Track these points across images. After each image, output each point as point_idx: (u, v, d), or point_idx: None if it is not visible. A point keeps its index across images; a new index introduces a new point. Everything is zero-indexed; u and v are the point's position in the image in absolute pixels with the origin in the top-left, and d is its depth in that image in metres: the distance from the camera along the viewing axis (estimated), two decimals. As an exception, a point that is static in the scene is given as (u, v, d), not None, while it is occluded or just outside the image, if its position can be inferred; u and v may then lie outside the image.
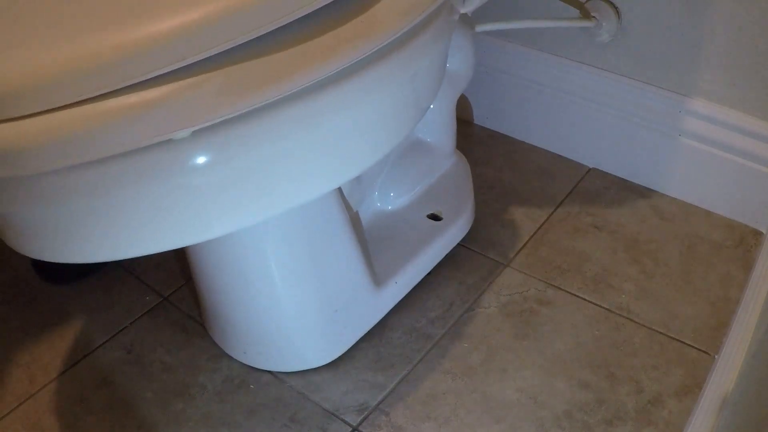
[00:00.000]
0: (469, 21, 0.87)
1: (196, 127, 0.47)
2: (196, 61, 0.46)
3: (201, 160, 0.49)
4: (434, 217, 0.88)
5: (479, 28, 0.94)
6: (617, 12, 0.92)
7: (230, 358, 0.80)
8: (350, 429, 0.74)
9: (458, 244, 0.92)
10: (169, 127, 0.46)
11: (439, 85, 0.67)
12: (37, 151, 0.44)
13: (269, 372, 0.79)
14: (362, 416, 0.75)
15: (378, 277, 0.80)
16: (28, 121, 0.44)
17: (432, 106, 0.88)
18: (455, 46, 0.85)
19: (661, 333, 0.81)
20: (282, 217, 0.66)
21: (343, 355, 0.80)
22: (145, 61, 0.44)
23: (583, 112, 1.01)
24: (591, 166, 1.04)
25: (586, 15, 0.94)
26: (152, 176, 0.49)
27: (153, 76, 0.45)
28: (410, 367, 0.79)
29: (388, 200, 0.88)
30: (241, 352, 0.79)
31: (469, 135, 1.12)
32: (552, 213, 0.97)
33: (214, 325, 0.80)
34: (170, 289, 0.89)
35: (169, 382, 0.79)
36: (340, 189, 0.73)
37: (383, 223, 0.87)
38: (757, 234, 0.93)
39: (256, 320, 0.75)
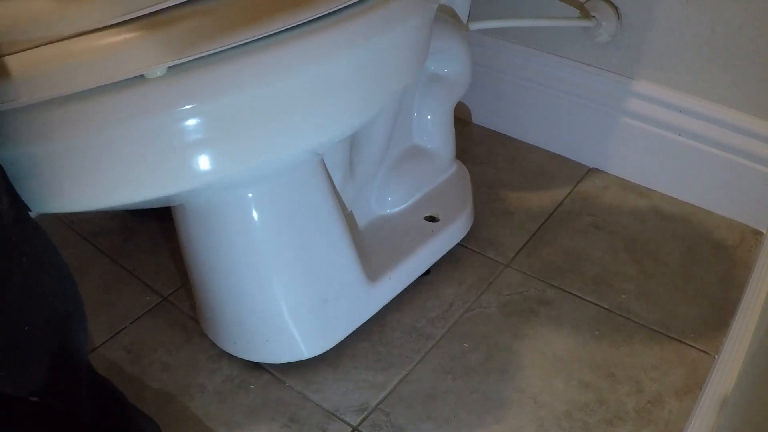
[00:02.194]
0: (463, 26, 0.87)
1: (169, 64, 0.50)
2: (172, 5, 0.49)
3: (176, 100, 0.52)
4: (431, 219, 0.88)
5: (478, 26, 0.94)
6: (617, 12, 0.92)
7: (230, 357, 0.80)
8: (350, 429, 0.74)
9: (458, 244, 0.92)
10: (143, 62, 0.49)
11: (412, 70, 0.66)
12: (18, 83, 0.48)
13: (269, 372, 0.79)
14: (362, 416, 0.75)
15: (372, 273, 0.80)
16: (9, 57, 0.48)
17: (429, 117, 0.88)
18: (449, 51, 0.84)
19: (661, 333, 0.81)
20: (269, 202, 0.67)
21: (343, 354, 0.80)
22: (121, 3, 0.48)
23: (583, 112, 1.01)
24: (591, 166, 1.04)
25: (585, 15, 0.94)
26: (129, 115, 0.51)
27: (130, 17, 0.49)
28: (410, 367, 0.79)
29: (386, 205, 0.88)
30: (231, 344, 0.78)
31: (469, 135, 1.12)
32: (552, 213, 0.97)
33: (206, 317, 0.79)
34: (170, 289, 0.89)
35: (169, 382, 0.79)
36: (332, 183, 0.73)
37: (380, 224, 0.87)
38: (757, 234, 0.93)
39: (244, 309, 0.74)
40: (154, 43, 0.49)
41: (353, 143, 0.79)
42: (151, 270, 0.92)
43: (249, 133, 0.55)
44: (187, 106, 0.52)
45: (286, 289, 0.73)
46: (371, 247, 0.83)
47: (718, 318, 0.83)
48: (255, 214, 0.67)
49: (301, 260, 0.72)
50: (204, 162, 0.55)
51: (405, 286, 0.84)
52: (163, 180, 0.55)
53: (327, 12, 0.55)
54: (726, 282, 0.87)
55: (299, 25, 0.54)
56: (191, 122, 0.53)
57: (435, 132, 0.90)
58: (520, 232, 0.95)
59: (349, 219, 0.81)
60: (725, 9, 0.84)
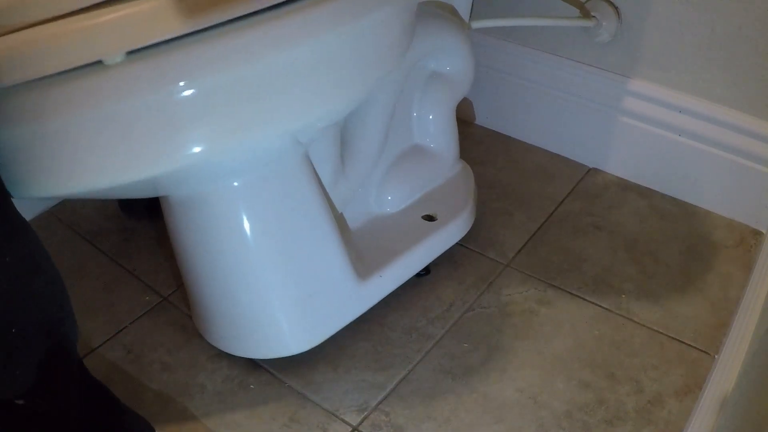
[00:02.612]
0: (464, 24, 0.87)
1: (126, 49, 0.51)
2: None
3: (134, 86, 0.52)
4: (429, 218, 0.88)
5: (479, 24, 0.93)
6: (617, 12, 0.92)
7: (230, 357, 0.80)
8: (350, 429, 0.74)
9: (458, 244, 0.92)
10: (101, 49, 0.50)
11: (390, 60, 0.66)
12: None
13: (269, 372, 0.79)
14: (362, 416, 0.75)
15: (362, 270, 0.79)
16: None
17: (433, 113, 0.88)
18: (450, 49, 0.84)
19: (661, 333, 0.81)
20: (253, 195, 0.67)
21: (343, 354, 0.80)
22: None
23: (583, 112, 1.01)
24: (591, 166, 1.04)
25: (586, 15, 0.94)
26: (88, 101, 0.52)
27: (90, 4, 0.50)
28: (410, 367, 0.79)
29: (386, 204, 0.88)
30: (218, 338, 0.78)
31: (469, 135, 1.12)
32: (552, 213, 0.97)
33: (196, 312, 0.80)
34: (170, 289, 0.89)
35: (169, 382, 0.79)
36: (319, 180, 0.73)
37: (378, 223, 0.86)
38: (757, 234, 0.93)
39: (229, 303, 0.74)
40: (113, 29, 0.50)
41: (345, 140, 0.79)
42: (151, 270, 0.92)
43: (216, 118, 0.56)
44: (147, 93, 0.53)
45: (269, 284, 0.72)
46: (366, 245, 0.83)
47: (718, 318, 0.83)
48: (238, 208, 0.67)
49: (284, 255, 0.71)
50: (175, 146, 0.55)
51: (397, 285, 0.84)
52: (126, 165, 0.56)
53: None
54: (726, 282, 0.87)
55: (265, 9, 0.55)
56: (150, 108, 0.53)
57: (436, 131, 0.90)
58: (520, 232, 0.95)
59: (340, 217, 0.81)
60: (725, 9, 0.84)
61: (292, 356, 0.80)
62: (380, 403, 0.76)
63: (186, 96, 0.54)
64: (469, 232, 0.93)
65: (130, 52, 0.51)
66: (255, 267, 0.71)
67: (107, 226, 0.99)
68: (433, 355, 0.80)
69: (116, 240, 0.97)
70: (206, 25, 0.52)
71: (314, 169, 0.72)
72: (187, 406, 0.76)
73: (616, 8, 0.92)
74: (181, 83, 0.53)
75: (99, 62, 0.51)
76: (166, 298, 0.88)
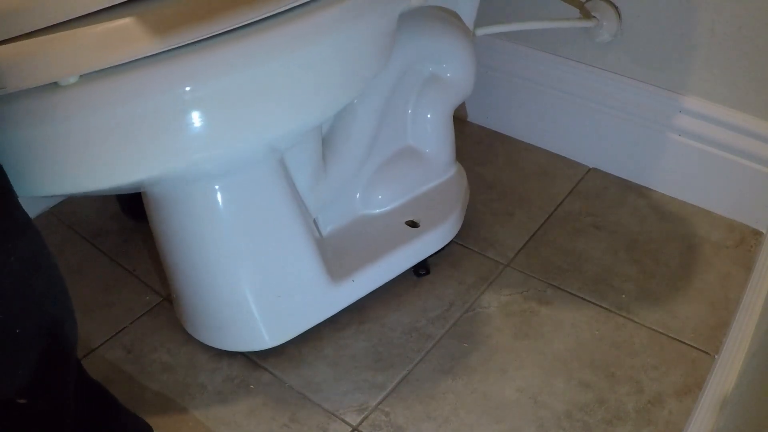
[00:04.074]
0: (465, 26, 0.87)
1: (81, 73, 0.52)
2: (86, 13, 0.51)
3: (87, 106, 0.54)
4: (412, 224, 0.86)
5: (482, 32, 0.93)
6: (617, 12, 0.92)
7: (230, 357, 0.80)
8: (350, 429, 0.74)
9: (459, 244, 0.92)
10: (55, 71, 0.51)
11: (373, 67, 0.66)
12: None
13: (269, 372, 0.79)
14: (362, 416, 0.75)
15: (335, 273, 0.79)
16: None
17: (429, 116, 0.87)
18: (451, 54, 0.84)
19: (661, 333, 0.81)
20: (224, 198, 0.69)
21: (343, 354, 0.80)
22: (38, 11, 0.51)
23: (583, 112, 1.01)
24: (591, 166, 1.04)
25: (586, 15, 0.94)
26: (43, 119, 0.54)
27: (46, 25, 0.51)
28: (410, 367, 0.79)
29: (372, 204, 0.87)
30: (193, 328, 0.80)
31: (470, 135, 1.12)
32: (552, 213, 0.97)
33: (177, 302, 0.81)
34: (170, 289, 0.89)
35: (169, 382, 0.79)
36: (292, 184, 0.74)
37: (361, 224, 0.86)
38: (757, 234, 0.93)
39: (201, 296, 0.76)
40: (66, 51, 0.51)
41: (331, 142, 0.79)
42: (151, 270, 0.92)
43: (179, 134, 0.57)
44: (99, 113, 0.54)
45: (237, 282, 0.74)
46: (346, 246, 0.83)
47: (718, 318, 0.83)
48: (212, 207, 0.69)
49: (255, 255, 0.73)
50: (121, 166, 0.58)
51: (370, 289, 0.83)
52: (78, 178, 0.58)
53: (259, 17, 0.56)
54: (726, 282, 0.87)
55: (244, 26, 0.56)
56: (104, 127, 0.55)
57: (432, 134, 0.89)
58: (520, 232, 0.95)
59: (316, 220, 0.82)
60: (725, 9, 0.84)
61: (292, 356, 0.80)
62: (380, 403, 0.76)
63: (139, 114, 0.55)
64: (469, 232, 0.93)
65: (84, 75, 0.53)
66: (227, 264, 0.73)
67: (107, 226, 0.99)
68: (433, 355, 0.80)
69: (116, 240, 0.97)
70: (158, 51, 0.53)
71: (288, 174, 0.73)
72: (187, 406, 0.76)
73: (616, 8, 0.92)
74: (137, 101, 0.55)
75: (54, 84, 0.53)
76: (166, 298, 0.88)
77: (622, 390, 0.76)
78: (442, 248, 0.92)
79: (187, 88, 0.55)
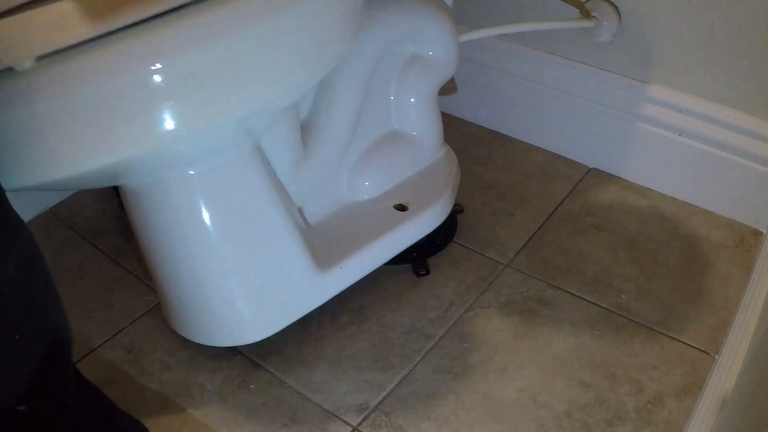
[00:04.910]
0: (444, 3, 0.85)
1: (36, 55, 0.51)
2: None
3: (47, 91, 0.53)
4: (401, 208, 0.85)
5: (482, 33, 0.92)
6: (617, 12, 0.92)
7: (230, 357, 0.80)
8: (350, 429, 0.74)
9: (459, 244, 0.92)
10: (8, 56, 0.50)
11: (340, 43, 0.65)
12: None
13: (269, 372, 0.79)
14: (362, 416, 0.75)
15: (323, 262, 0.78)
16: None
17: (413, 98, 0.85)
18: (431, 32, 0.82)
19: (661, 333, 0.81)
20: (204, 185, 0.67)
21: (343, 354, 0.80)
22: None
23: (583, 112, 1.01)
24: (591, 166, 1.04)
25: (586, 15, 0.94)
26: (0, 108, 0.53)
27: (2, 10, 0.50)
28: (410, 367, 0.79)
29: (360, 191, 0.85)
30: (180, 326, 0.78)
31: (470, 135, 1.12)
32: (552, 213, 0.97)
33: (162, 299, 0.80)
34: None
35: (169, 382, 0.79)
36: (272, 172, 0.72)
37: (349, 211, 0.84)
38: (757, 234, 0.93)
39: (186, 289, 0.74)
40: (19, 34, 0.50)
41: (311, 127, 0.77)
42: (151, 270, 0.92)
43: (150, 113, 0.56)
44: (59, 97, 0.53)
45: (222, 274, 0.72)
46: (334, 234, 0.81)
47: (718, 318, 0.83)
48: (189, 198, 0.68)
49: (236, 246, 0.71)
50: (81, 151, 0.57)
51: (360, 277, 0.81)
52: (42, 165, 0.57)
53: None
54: (726, 282, 0.87)
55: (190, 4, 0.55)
56: (68, 111, 0.54)
57: (417, 117, 0.87)
58: (520, 232, 0.95)
59: (301, 208, 0.80)
60: (725, 9, 0.84)
61: (292, 356, 0.80)
62: (380, 403, 0.76)
63: (85, 99, 0.55)
64: (469, 232, 0.93)
65: (41, 57, 0.52)
66: (207, 257, 0.71)
67: (107, 226, 0.99)
68: (433, 355, 0.80)
69: (116, 240, 0.97)
70: (114, 29, 0.52)
71: (267, 160, 0.71)
72: (187, 406, 0.76)
73: (616, 8, 0.92)
74: (101, 82, 0.54)
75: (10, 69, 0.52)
76: (166, 298, 0.88)
77: (622, 390, 0.76)
78: (441, 248, 0.92)
79: (150, 66, 0.54)
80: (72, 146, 0.56)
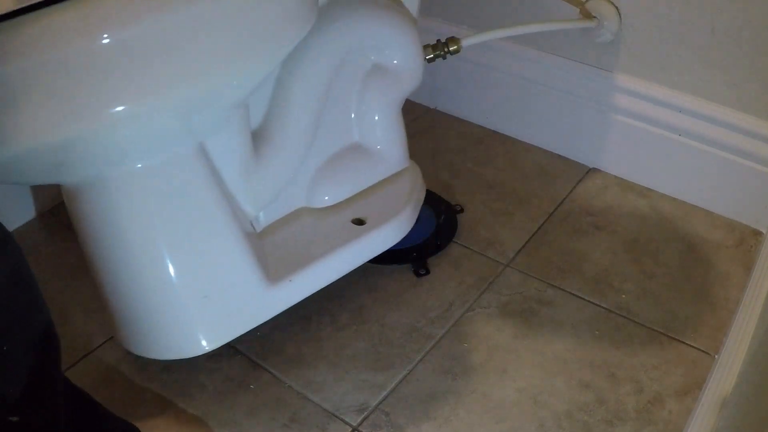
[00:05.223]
0: (408, 11, 0.83)
1: None
2: None
3: None
4: (359, 222, 0.82)
5: (484, 37, 0.91)
6: (618, 12, 0.92)
7: (230, 357, 0.80)
8: (350, 429, 0.74)
9: (459, 244, 0.92)
10: None
11: (288, 32, 0.64)
12: None
13: (269, 372, 0.79)
14: (362, 416, 0.75)
15: (273, 274, 0.75)
16: None
17: (375, 110, 0.83)
18: (394, 41, 0.80)
19: (661, 333, 0.81)
20: (142, 186, 0.65)
21: (343, 354, 0.80)
22: None
23: (584, 112, 1.01)
24: (591, 166, 1.05)
25: (586, 15, 0.94)
26: None
27: None
28: (410, 367, 0.79)
29: (317, 202, 0.83)
30: (126, 340, 0.75)
31: (469, 135, 1.12)
32: (552, 213, 0.97)
33: (108, 315, 0.76)
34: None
35: (169, 382, 0.79)
36: (218, 178, 0.70)
37: (306, 223, 0.82)
38: (757, 234, 0.93)
39: (126, 299, 0.71)
40: None
41: (264, 133, 0.76)
42: (151, 270, 0.92)
43: (85, 89, 0.55)
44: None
45: (162, 282, 0.69)
46: (285, 247, 0.78)
47: (718, 318, 0.83)
48: (126, 200, 0.65)
49: (177, 253, 0.69)
50: (33, 123, 0.55)
51: (311, 292, 0.78)
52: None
53: None
54: (726, 282, 0.87)
55: None
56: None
57: (379, 130, 0.84)
58: (520, 232, 0.95)
59: (253, 218, 0.78)
60: (725, 9, 0.84)
61: (292, 356, 0.80)
62: (380, 403, 0.76)
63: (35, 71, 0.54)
64: (469, 232, 0.93)
65: None
66: (147, 262, 0.68)
67: (107, 226, 0.99)
68: (433, 355, 0.80)
69: (116, 240, 0.97)
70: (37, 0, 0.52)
71: (213, 165, 0.69)
72: (187, 407, 0.76)
73: (616, 8, 0.92)
74: (37, 52, 0.53)
75: None
76: (166, 298, 0.88)
77: (622, 390, 0.76)
78: (441, 249, 0.92)
79: (95, 38, 0.53)
80: (13, 122, 0.55)
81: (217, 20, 0.59)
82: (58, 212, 1.01)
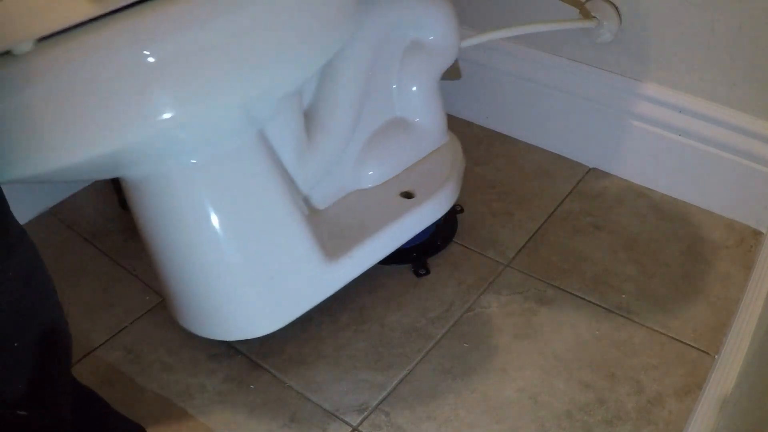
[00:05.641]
0: None
1: (37, 37, 0.50)
2: None
3: (46, 74, 0.51)
4: (407, 195, 0.84)
5: (485, 38, 0.91)
6: (617, 12, 0.92)
7: (230, 357, 0.80)
8: (350, 429, 0.74)
9: (458, 244, 0.92)
10: (8, 38, 0.49)
11: (341, 26, 0.65)
12: None
13: (269, 372, 0.79)
14: (362, 416, 0.75)
15: (333, 251, 0.77)
16: None
17: (415, 85, 0.85)
18: (431, 17, 0.82)
19: (661, 333, 0.81)
20: (208, 175, 0.66)
21: (343, 354, 0.80)
22: None
23: (584, 112, 1.01)
24: (591, 166, 1.05)
25: (586, 15, 0.94)
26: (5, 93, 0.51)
27: None
28: (410, 367, 0.79)
29: (365, 180, 0.85)
30: (185, 319, 0.77)
31: (470, 135, 1.12)
32: (552, 213, 0.97)
33: (167, 294, 0.78)
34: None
35: (169, 382, 0.79)
36: (278, 161, 0.72)
37: (355, 200, 0.83)
38: (757, 234, 0.93)
39: (190, 284, 0.73)
40: (20, 15, 0.49)
41: (313, 115, 0.77)
42: (151, 270, 0.92)
43: (149, 94, 0.55)
44: (59, 80, 0.52)
45: (229, 265, 0.71)
46: (339, 225, 0.80)
47: (718, 318, 0.83)
48: (193, 189, 0.67)
49: (242, 237, 0.70)
50: (96, 132, 0.55)
51: (369, 266, 0.80)
52: (39, 155, 0.56)
53: None
54: (726, 282, 0.87)
55: None
56: (66, 96, 0.53)
57: (419, 104, 0.86)
58: (520, 232, 0.95)
59: (307, 197, 0.79)
60: (725, 9, 0.84)
61: (292, 356, 0.80)
62: (380, 403, 0.76)
63: (108, 77, 0.53)
64: (469, 232, 0.93)
65: (41, 39, 0.51)
66: (212, 249, 0.70)
67: (107, 226, 0.99)
68: (433, 355, 0.80)
69: (116, 240, 0.97)
70: (115, 8, 0.52)
71: (272, 148, 0.70)
72: (187, 407, 0.76)
73: (616, 8, 0.92)
74: (105, 63, 0.53)
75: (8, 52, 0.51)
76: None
77: (622, 390, 0.76)
78: (441, 249, 0.92)
79: (149, 48, 0.53)
80: (71, 133, 0.55)
81: (268, 25, 0.59)
82: (58, 212, 1.01)
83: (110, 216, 1.00)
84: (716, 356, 0.78)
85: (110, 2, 0.51)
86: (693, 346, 0.80)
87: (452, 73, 0.99)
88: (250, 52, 0.58)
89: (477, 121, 1.14)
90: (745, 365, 0.73)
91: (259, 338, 0.81)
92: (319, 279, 0.77)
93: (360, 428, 0.74)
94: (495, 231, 0.95)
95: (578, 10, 0.95)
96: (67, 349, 0.57)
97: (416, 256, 0.90)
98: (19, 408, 0.52)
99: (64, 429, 0.57)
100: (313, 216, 0.80)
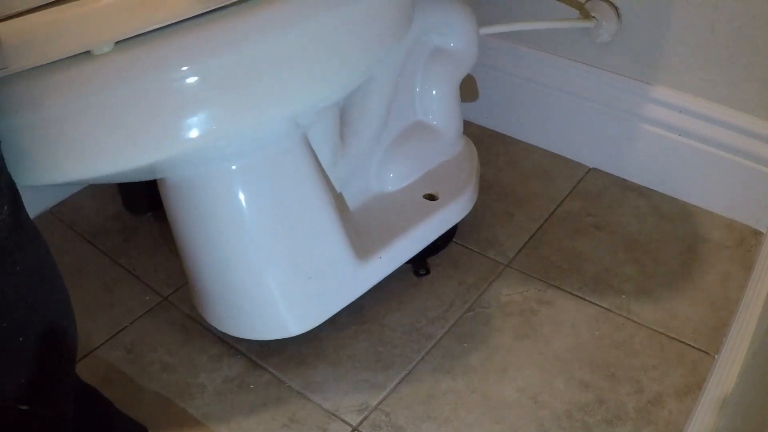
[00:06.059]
0: (468, 0, 0.86)
1: (117, 39, 0.50)
2: None
3: (122, 76, 0.52)
4: (431, 197, 0.86)
5: (482, 32, 0.92)
6: (617, 12, 0.92)
7: (230, 357, 0.80)
8: (350, 429, 0.74)
9: (458, 244, 0.92)
10: (89, 39, 0.50)
11: (392, 37, 0.65)
12: None
13: (269, 372, 0.79)
14: (362, 416, 0.75)
15: (362, 252, 0.78)
16: None
17: (433, 92, 0.87)
18: (453, 24, 0.83)
19: (661, 333, 0.81)
20: (248, 178, 0.67)
21: (343, 354, 0.80)
22: None
23: (583, 112, 1.01)
24: (591, 166, 1.04)
25: (586, 15, 0.94)
26: (76, 91, 0.52)
27: None
28: (410, 367, 0.79)
29: (387, 182, 0.86)
30: (218, 320, 0.78)
31: (470, 135, 1.12)
32: (552, 213, 0.97)
33: (197, 292, 0.79)
34: (170, 289, 0.89)
35: (169, 382, 0.79)
36: (317, 161, 0.72)
37: (378, 202, 0.85)
38: (757, 234, 0.93)
39: (227, 283, 0.74)
40: (101, 17, 0.50)
41: (345, 120, 0.78)
42: (151, 270, 0.92)
43: (211, 104, 0.56)
44: (136, 81, 0.53)
45: (267, 266, 0.72)
46: (365, 226, 0.82)
47: (718, 318, 0.83)
48: (235, 190, 0.67)
49: (282, 238, 0.71)
50: (169, 134, 0.56)
51: (397, 266, 0.83)
52: (117, 153, 0.56)
53: None
54: (726, 282, 0.87)
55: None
56: (142, 97, 0.54)
57: (439, 108, 0.88)
58: (520, 232, 0.95)
59: (339, 197, 0.80)
60: (725, 9, 0.84)
61: (292, 356, 0.80)
62: (380, 403, 0.76)
63: (179, 85, 0.54)
64: (469, 232, 0.93)
65: (120, 42, 0.51)
66: (252, 249, 0.71)
67: (107, 226, 0.99)
68: (433, 355, 0.80)
69: (116, 240, 0.97)
70: (196, 14, 0.52)
71: (313, 150, 0.71)
72: (187, 407, 0.76)
73: (616, 8, 0.92)
74: (177, 71, 0.53)
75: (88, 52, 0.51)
76: (166, 298, 0.88)
77: (622, 390, 0.76)
78: (441, 249, 0.92)
79: (213, 59, 0.54)
80: (131, 139, 0.55)
81: (315, 43, 0.59)
82: (58, 212, 1.01)
83: (110, 216, 1.00)
84: (716, 356, 0.78)
85: (193, 8, 0.51)
86: (693, 346, 0.80)
87: (470, 95, 1.00)
88: (298, 70, 0.59)
89: (477, 121, 1.14)
90: (745, 365, 0.73)
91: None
92: (351, 279, 0.78)
93: (360, 428, 0.74)
94: (495, 231, 0.95)
95: (578, 11, 0.95)
96: (73, 347, 0.58)
97: (416, 256, 0.90)
98: (21, 402, 0.52)
99: (67, 426, 0.57)
100: (344, 216, 0.81)
